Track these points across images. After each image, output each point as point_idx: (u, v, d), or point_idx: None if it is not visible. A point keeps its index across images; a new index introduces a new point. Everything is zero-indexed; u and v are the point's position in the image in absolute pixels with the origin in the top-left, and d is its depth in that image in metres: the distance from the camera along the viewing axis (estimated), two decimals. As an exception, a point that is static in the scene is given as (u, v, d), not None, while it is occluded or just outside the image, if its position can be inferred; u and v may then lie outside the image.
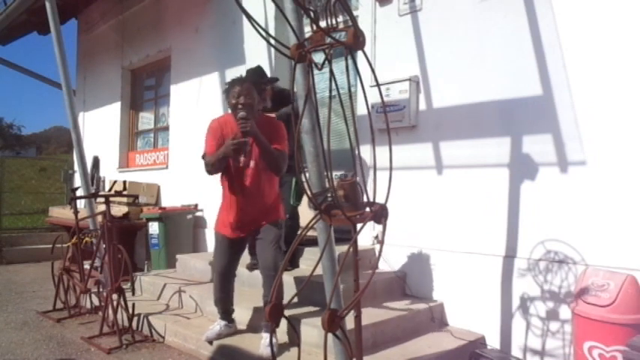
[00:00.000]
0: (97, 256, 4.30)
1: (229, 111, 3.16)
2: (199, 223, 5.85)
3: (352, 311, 1.99)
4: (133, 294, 4.13)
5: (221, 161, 3.03)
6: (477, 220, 3.48)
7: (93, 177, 7.55)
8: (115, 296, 3.70)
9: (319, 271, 2.33)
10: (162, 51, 6.83)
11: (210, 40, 5.96)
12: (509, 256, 3.33)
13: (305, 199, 3.83)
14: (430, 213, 3.76)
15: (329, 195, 1.98)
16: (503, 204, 3.37)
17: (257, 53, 5.18)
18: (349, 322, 2.14)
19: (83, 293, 4.34)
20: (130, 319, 3.73)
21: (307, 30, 2.59)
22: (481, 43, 3.52)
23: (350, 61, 1.88)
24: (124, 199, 5.57)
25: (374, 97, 3.62)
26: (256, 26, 1.73)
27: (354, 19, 1.87)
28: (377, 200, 2.02)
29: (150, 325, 3.78)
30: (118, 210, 5.92)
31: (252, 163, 3.10)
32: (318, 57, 1.84)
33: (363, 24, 4.12)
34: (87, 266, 4.31)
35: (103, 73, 8.13)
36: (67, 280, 4.47)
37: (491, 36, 3.47)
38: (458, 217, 3.59)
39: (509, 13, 3.37)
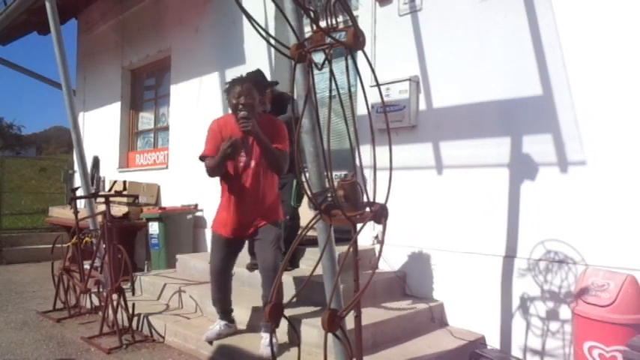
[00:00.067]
0: (97, 256, 4.30)
1: (230, 111, 3.15)
2: (199, 223, 5.85)
3: (352, 311, 1.99)
4: (133, 294, 4.13)
5: (220, 165, 3.03)
6: (477, 220, 3.48)
7: (93, 177, 7.55)
8: (115, 296, 3.70)
9: (319, 271, 2.33)
10: (162, 51, 6.83)
11: (210, 40, 5.97)
12: (509, 256, 3.34)
13: (305, 200, 3.83)
14: (430, 213, 3.76)
15: (329, 195, 1.98)
16: (503, 204, 3.37)
17: (257, 53, 5.19)
18: (349, 322, 2.14)
19: (83, 293, 4.34)
20: (130, 319, 3.73)
21: (307, 30, 2.59)
22: (481, 43, 3.52)
23: (350, 61, 1.88)
24: (124, 199, 5.57)
25: (374, 97, 3.62)
26: (256, 26, 1.73)
27: (354, 19, 1.87)
28: (377, 200, 2.02)
29: (150, 325, 3.78)
30: (118, 210, 5.92)
31: (252, 163, 3.10)
32: (318, 57, 1.84)
33: (363, 24, 4.12)
34: (87, 266, 4.31)
35: (103, 73, 8.13)
36: (67, 280, 4.47)
37: (491, 36, 3.47)
38: (458, 217, 3.59)
39: (509, 13, 3.37)
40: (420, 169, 3.83)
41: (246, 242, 3.47)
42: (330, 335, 1.75)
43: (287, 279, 3.47)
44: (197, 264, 4.52)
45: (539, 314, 3.18)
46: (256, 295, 3.26)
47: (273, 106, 3.80)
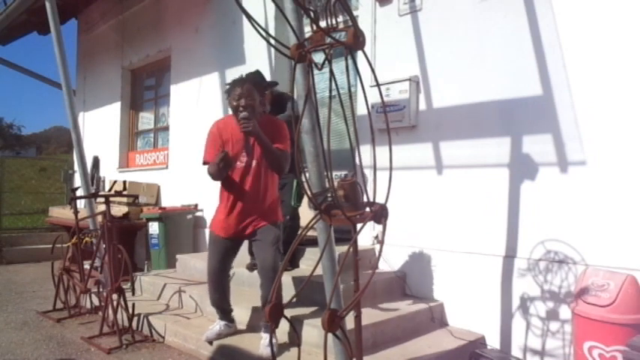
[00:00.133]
0: (97, 256, 4.30)
1: (230, 112, 3.16)
2: (199, 223, 5.85)
3: (352, 311, 1.99)
4: (133, 294, 4.13)
5: (219, 172, 3.05)
6: (477, 220, 3.48)
7: (93, 177, 7.55)
8: (115, 296, 3.70)
9: (319, 271, 2.33)
10: (162, 51, 6.84)
11: (210, 40, 5.97)
12: (509, 256, 3.34)
13: (305, 199, 3.83)
14: (430, 213, 3.76)
15: (329, 195, 1.98)
16: (503, 204, 3.37)
17: (257, 53, 5.19)
18: (349, 322, 2.14)
19: (83, 293, 4.34)
20: (130, 319, 3.73)
21: (307, 30, 2.59)
22: (481, 43, 3.52)
23: (350, 61, 1.88)
24: (124, 199, 5.57)
25: (374, 97, 3.62)
26: (256, 26, 1.73)
27: (354, 19, 1.87)
28: (377, 200, 2.02)
29: (150, 325, 3.78)
30: (118, 210, 5.92)
31: (254, 163, 3.09)
32: (318, 57, 1.84)
33: (363, 24, 4.12)
34: (87, 266, 4.31)
35: (103, 73, 8.13)
36: (67, 280, 4.47)
37: (491, 36, 3.47)
38: (458, 217, 3.59)
39: (509, 13, 3.37)
40: (420, 169, 3.83)
41: (246, 242, 3.46)
42: (330, 335, 1.75)
43: (287, 279, 3.47)
44: (197, 264, 4.52)
45: (539, 314, 3.18)
46: (256, 295, 3.26)
47: (272, 106, 3.80)
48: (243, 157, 3.11)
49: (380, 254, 2.05)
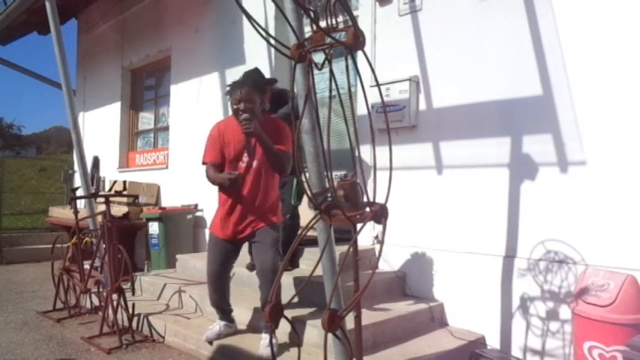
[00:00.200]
0: (97, 256, 4.30)
1: (231, 111, 3.16)
2: (199, 223, 5.85)
3: (352, 311, 1.99)
4: (133, 294, 4.13)
5: (223, 187, 3.09)
6: (477, 220, 3.48)
7: (93, 177, 7.55)
8: (115, 296, 3.70)
9: (319, 271, 2.33)
10: (162, 51, 6.84)
11: (210, 40, 5.97)
12: (509, 256, 3.34)
13: (305, 199, 3.83)
14: (430, 213, 3.76)
15: (329, 195, 1.98)
16: (503, 204, 3.37)
17: (257, 53, 5.19)
18: (349, 322, 2.14)
19: (83, 293, 4.34)
20: (130, 319, 3.73)
21: (307, 30, 2.59)
22: (481, 43, 3.52)
23: (350, 61, 1.88)
24: (124, 199, 5.57)
25: (374, 97, 3.62)
26: (256, 26, 1.73)
27: (354, 19, 1.87)
28: (377, 200, 2.02)
29: (150, 325, 3.78)
30: (118, 210, 5.92)
31: (255, 163, 3.09)
32: (318, 57, 1.84)
33: (363, 24, 4.12)
34: (87, 266, 4.31)
35: (103, 73, 8.13)
36: (67, 280, 4.47)
37: (491, 36, 3.47)
38: (458, 217, 3.59)
39: (509, 13, 3.37)
40: (420, 169, 3.83)
41: (246, 243, 3.46)
42: (330, 335, 1.75)
43: (287, 279, 3.47)
44: (197, 264, 4.52)
45: (539, 314, 3.18)
46: (256, 295, 3.26)
47: (272, 104, 3.78)
48: (244, 157, 3.11)
49: (380, 254, 2.05)
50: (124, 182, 5.14)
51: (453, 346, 3.15)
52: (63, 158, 14.27)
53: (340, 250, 2.87)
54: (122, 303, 3.70)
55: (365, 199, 2.02)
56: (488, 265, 3.40)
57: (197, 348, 3.31)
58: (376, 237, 4.05)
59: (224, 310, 3.29)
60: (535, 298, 3.20)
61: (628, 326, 2.47)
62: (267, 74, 4.31)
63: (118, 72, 7.71)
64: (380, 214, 1.94)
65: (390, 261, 3.91)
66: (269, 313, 1.73)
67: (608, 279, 2.61)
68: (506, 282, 3.33)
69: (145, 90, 7.78)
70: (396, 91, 3.89)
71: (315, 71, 1.79)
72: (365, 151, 3.83)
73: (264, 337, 3.01)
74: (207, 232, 5.68)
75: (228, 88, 3.17)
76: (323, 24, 1.76)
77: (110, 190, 4.42)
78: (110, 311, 3.71)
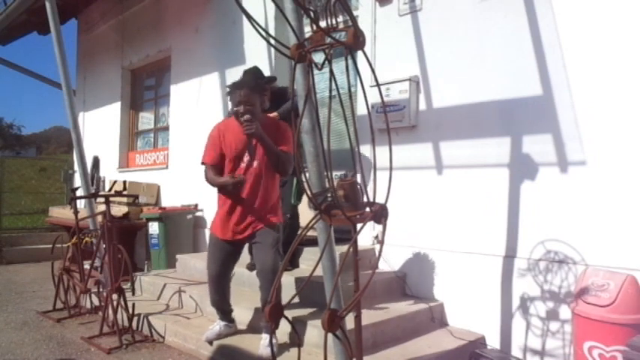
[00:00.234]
0: (97, 256, 4.30)
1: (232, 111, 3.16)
2: (199, 223, 5.85)
3: (352, 311, 1.99)
4: (133, 294, 4.13)
5: (224, 190, 3.10)
6: (477, 220, 3.48)
7: (93, 177, 7.55)
8: (115, 296, 3.70)
9: (319, 271, 2.33)
10: (162, 51, 6.84)
11: (210, 40, 5.96)
12: (509, 256, 3.34)
13: (305, 199, 3.83)
14: (430, 213, 3.76)
15: (329, 195, 1.98)
16: (503, 204, 3.37)
17: (257, 53, 5.18)
18: (349, 322, 2.14)
19: (83, 293, 4.34)
20: (130, 319, 3.73)
21: (307, 30, 2.59)
22: (481, 43, 3.52)
23: (350, 61, 1.88)
24: (124, 199, 5.57)
25: (374, 97, 3.62)
26: (256, 26, 1.73)
27: (354, 19, 1.87)
28: (377, 200, 2.02)
29: (150, 325, 3.78)
30: (118, 210, 5.92)
31: (255, 163, 3.09)
32: (318, 57, 1.84)
33: (363, 24, 4.12)
34: (87, 266, 4.31)
35: (103, 73, 8.13)
36: (67, 280, 4.47)
37: (491, 36, 3.47)
38: (458, 217, 3.59)
39: (509, 13, 3.37)
40: (420, 169, 3.83)
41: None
42: (330, 335, 1.75)
43: (287, 279, 3.47)
44: (197, 264, 4.52)
45: (539, 314, 3.18)
46: (257, 295, 3.26)
47: (271, 102, 3.77)
48: (245, 157, 3.10)
49: (380, 254, 2.05)
50: (124, 182, 5.14)
51: (453, 346, 3.15)
52: (63, 158, 14.27)
53: (340, 250, 2.87)
54: (122, 303, 3.70)
55: (365, 199, 2.02)
56: (489, 265, 3.40)
57: (197, 348, 3.31)
58: (376, 237, 4.05)
59: (224, 311, 3.28)
60: (535, 298, 3.20)
61: (628, 326, 2.47)
62: (267, 74, 4.30)
63: (118, 72, 7.71)
64: (380, 214, 1.94)
65: (390, 261, 3.91)
66: (269, 313, 1.73)
67: (608, 279, 2.61)
68: (506, 282, 3.33)
69: (145, 90, 7.78)
70: (396, 91, 3.89)
71: (315, 71, 1.79)
72: (365, 151, 3.84)
73: (264, 337, 3.00)
74: (207, 232, 5.68)
75: (227, 89, 3.17)
76: (323, 24, 1.76)
77: (110, 190, 4.42)
78: (110, 311, 3.71)
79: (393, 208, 2.07)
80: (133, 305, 3.78)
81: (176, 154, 6.51)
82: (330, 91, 1.91)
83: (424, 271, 3.75)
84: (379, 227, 3.93)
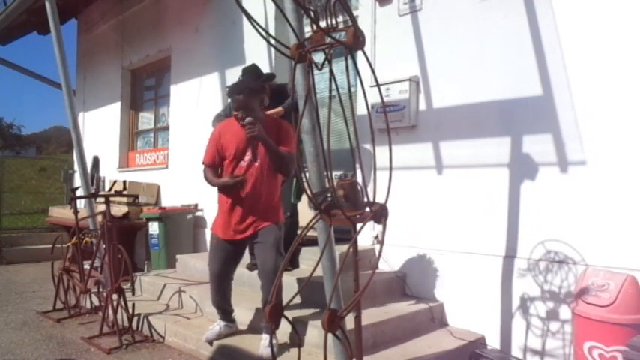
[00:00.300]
0: (97, 256, 4.30)
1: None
2: (199, 223, 5.85)
3: (352, 311, 1.99)
4: (133, 294, 4.13)
5: (223, 190, 3.10)
6: (477, 220, 3.48)
7: (93, 177, 7.55)
8: (115, 296, 3.70)
9: (319, 271, 2.33)
10: (162, 51, 6.84)
11: (210, 40, 5.97)
12: (509, 256, 3.34)
13: (305, 199, 3.83)
14: (430, 213, 3.76)
15: (329, 195, 1.98)
16: (503, 204, 3.37)
17: (257, 53, 5.18)
18: (349, 322, 2.14)
19: (83, 293, 4.34)
20: (130, 319, 3.73)
21: (307, 30, 2.59)
22: (481, 43, 3.52)
23: (350, 61, 1.88)
24: (124, 199, 5.57)
25: (374, 97, 3.62)
26: (256, 26, 1.73)
27: (354, 19, 1.87)
28: (377, 200, 2.02)
29: (150, 325, 3.78)
30: (118, 210, 5.92)
31: (256, 163, 3.08)
32: (318, 57, 1.84)
33: (363, 24, 4.12)
34: (87, 266, 4.31)
35: (103, 73, 8.13)
36: (67, 280, 4.47)
37: (491, 36, 3.47)
38: (458, 217, 3.59)
39: (509, 13, 3.37)
40: (420, 169, 3.83)
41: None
42: (330, 335, 1.75)
43: (287, 279, 3.46)
44: (197, 264, 4.52)
45: (539, 314, 3.18)
46: (257, 295, 3.26)
47: (271, 99, 3.76)
48: (246, 157, 3.10)
49: (380, 254, 2.05)
50: (124, 182, 5.14)
51: (453, 346, 3.15)
52: (63, 158, 14.27)
53: (340, 250, 2.87)
54: (122, 303, 3.70)
55: (365, 199, 2.02)
56: (489, 265, 3.40)
57: (197, 348, 3.31)
58: (376, 237, 4.05)
59: (225, 311, 3.28)
60: (535, 298, 3.20)
61: (628, 326, 2.47)
62: (262, 72, 4.28)
63: (118, 72, 7.71)
64: (380, 214, 1.94)
65: (390, 261, 3.91)
66: (269, 313, 1.73)
67: (608, 279, 2.61)
68: (506, 282, 3.33)
69: (145, 90, 7.78)
70: (396, 91, 3.89)
71: (315, 71, 1.79)
72: (365, 151, 3.83)
73: (265, 337, 3.00)
74: (207, 232, 5.69)
75: (227, 89, 3.18)
76: (323, 24, 1.76)
77: (110, 190, 4.42)
78: (110, 311, 3.71)
79: (393, 208, 2.07)
80: (133, 305, 3.78)
81: (176, 154, 6.51)
82: (330, 91, 1.91)
83: (424, 271, 3.75)
84: (379, 227, 3.93)
